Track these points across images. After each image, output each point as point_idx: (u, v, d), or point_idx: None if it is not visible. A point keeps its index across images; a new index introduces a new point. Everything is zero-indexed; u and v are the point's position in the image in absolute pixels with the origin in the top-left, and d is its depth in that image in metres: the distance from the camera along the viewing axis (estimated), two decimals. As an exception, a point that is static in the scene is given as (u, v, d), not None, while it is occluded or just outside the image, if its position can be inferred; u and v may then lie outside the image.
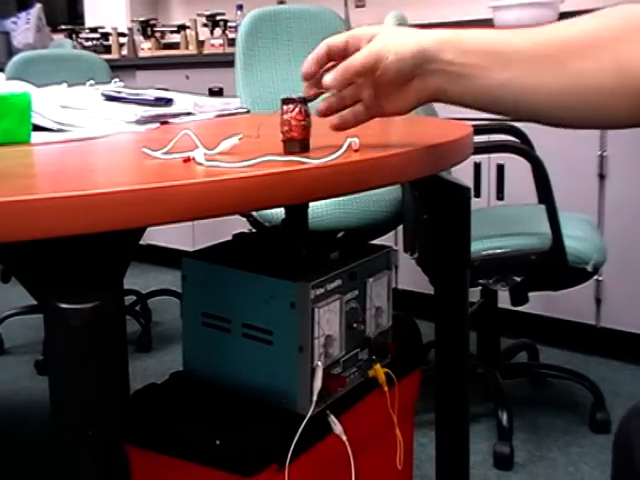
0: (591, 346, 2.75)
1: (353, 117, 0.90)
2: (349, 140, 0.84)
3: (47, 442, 0.73)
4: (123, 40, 4.56)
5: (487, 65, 0.79)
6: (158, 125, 1.34)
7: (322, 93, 0.87)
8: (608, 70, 0.75)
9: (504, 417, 2.08)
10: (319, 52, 0.85)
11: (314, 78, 0.87)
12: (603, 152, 2.58)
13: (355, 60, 0.81)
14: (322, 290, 1.04)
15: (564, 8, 3.06)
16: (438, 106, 2.24)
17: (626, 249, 2.56)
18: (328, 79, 0.82)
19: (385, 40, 0.82)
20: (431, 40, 0.81)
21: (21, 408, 2.48)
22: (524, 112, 0.83)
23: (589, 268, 1.97)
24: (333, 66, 0.85)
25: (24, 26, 4.46)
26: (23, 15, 4.53)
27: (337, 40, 0.85)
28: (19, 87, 1.23)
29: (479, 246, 1.99)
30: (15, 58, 2.73)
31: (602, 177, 2.60)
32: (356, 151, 0.85)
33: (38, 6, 4.55)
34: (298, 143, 0.86)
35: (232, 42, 3.65)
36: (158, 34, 4.48)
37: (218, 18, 4.11)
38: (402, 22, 1.96)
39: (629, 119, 0.80)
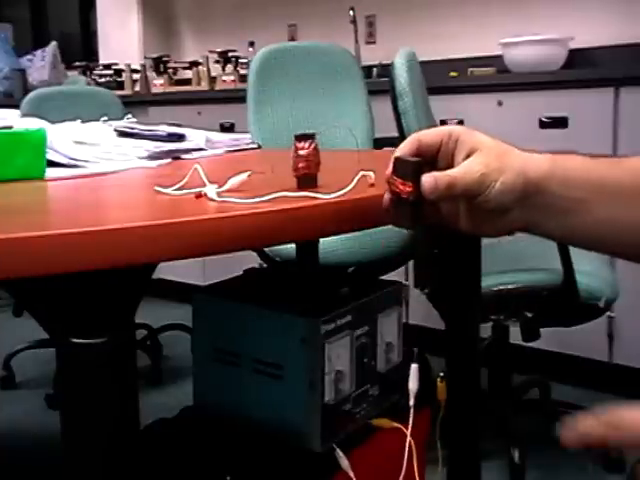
0: (604, 383, 2.72)
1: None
2: (361, 173, 0.85)
3: (58, 476, 0.73)
4: (136, 76, 4.61)
5: (591, 200, 0.76)
6: (170, 160, 1.36)
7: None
8: None
9: (516, 454, 2.06)
10: (409, 149, 0.78)
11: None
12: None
13: (460, 181, 0.75)
14: (332, 325, 1.04)
15: (573, 45, 3.08)
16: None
17: (638, 285, 2.55)
18: (428, 187, 0.75)
19: (489, 163, 0.75)
20: (537, 171, 0.76)
21: (32, 442, 2.47)
22: (622, 248, 0.79)
23: (601, 304, 1.96)
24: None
25: (39, 63, 4.52)
26: (39, 52, 4.59)
27: (430, 138, 0.78)
28: (34, 123, 1.25)
29: (490, 281, 1.99)
30: (30, 95, 2.76)
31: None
32: (372, 185, 0.85)
33: (53, 44, 4.62)
34: (313, 179, 0.86)
35: (243, 78, 3.69)
36: (170, 70, 4.53)
37: (230, 55, 4.16)
38: (412, 58, 1.98)
39: None
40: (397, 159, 0.76)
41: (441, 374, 0.93)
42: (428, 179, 0.75)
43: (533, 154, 0.78)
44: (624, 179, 0.76)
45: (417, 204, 0.76)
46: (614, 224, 0.76)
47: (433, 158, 0.79)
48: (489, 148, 0.77)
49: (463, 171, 0.75)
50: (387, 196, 0.77)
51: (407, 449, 1.14)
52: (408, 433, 1.11)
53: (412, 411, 1.03)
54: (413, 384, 1.03)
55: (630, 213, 0.75)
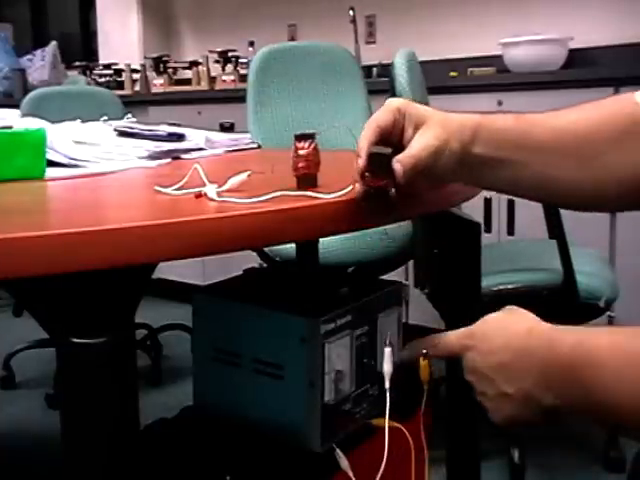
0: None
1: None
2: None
3: (58, 476, 0.73)
4: (136, 76, 4.61)
5: (516, 158, 0.83)
6: (170, 160, 1.36)
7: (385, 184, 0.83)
8: (625, 163, 0.79)
9: (516, 454, 2.06)
10: (374, 137, 0.84)
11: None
12: (614, 187, 2.57)
13: (420, 159, 0.82)
14: (332, 325, 1.04)
15: (573, 45, 3.09)
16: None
17: (638, 285, 2.55)
18: (399, 173, 0.81)
19: (439, 135, 0.83)
20: (468, 134, 0.83)
21: (32, 442, 2.47)
22: (557, 199, 0.89)
23: (601, 304, 1.96)
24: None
25: (39, 63, 4.52)
26: (39, 52, 4.59)
27: (385, 120, 0.84)
28: (34, 123, 1.25)
29: (490, 281, 1.99)
30: (30, 95, 2.76)
31: (613, 212, 2.60)
32: None
33: (53, 43, 4.62)
34: (313, 178, 0.86)
35: (243, 78, 3.69)
36: (170, 70, 4.53)
37: (230, 54, 4.16)
38: (412, 58, 1.98)
39: None
40: (373, 154, 0.81)
41: (424, 351, 0.93)
42: (397, 166, 0.81)
43: (463, 117, 0.85)
44: (544, 137, 0.83)
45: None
46: (545, 179, 0.83)
47: (389, 136, 0.85)
48: (433, 119, 0.84)
49: (420, 149, 0.82)
50: (361, 189, 0.82)
51: (387, 445, 1.14)
52: (386, 426, 1.11)
53: (388, 395, 1.03)
54: (387, 366, 1.03)
55: (553, 168, 0.82)
